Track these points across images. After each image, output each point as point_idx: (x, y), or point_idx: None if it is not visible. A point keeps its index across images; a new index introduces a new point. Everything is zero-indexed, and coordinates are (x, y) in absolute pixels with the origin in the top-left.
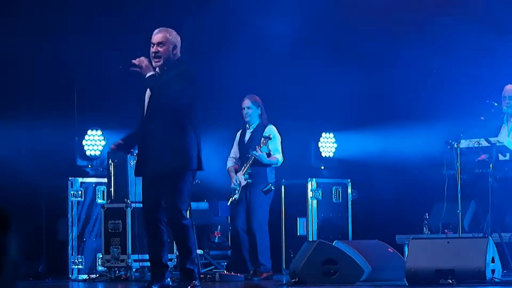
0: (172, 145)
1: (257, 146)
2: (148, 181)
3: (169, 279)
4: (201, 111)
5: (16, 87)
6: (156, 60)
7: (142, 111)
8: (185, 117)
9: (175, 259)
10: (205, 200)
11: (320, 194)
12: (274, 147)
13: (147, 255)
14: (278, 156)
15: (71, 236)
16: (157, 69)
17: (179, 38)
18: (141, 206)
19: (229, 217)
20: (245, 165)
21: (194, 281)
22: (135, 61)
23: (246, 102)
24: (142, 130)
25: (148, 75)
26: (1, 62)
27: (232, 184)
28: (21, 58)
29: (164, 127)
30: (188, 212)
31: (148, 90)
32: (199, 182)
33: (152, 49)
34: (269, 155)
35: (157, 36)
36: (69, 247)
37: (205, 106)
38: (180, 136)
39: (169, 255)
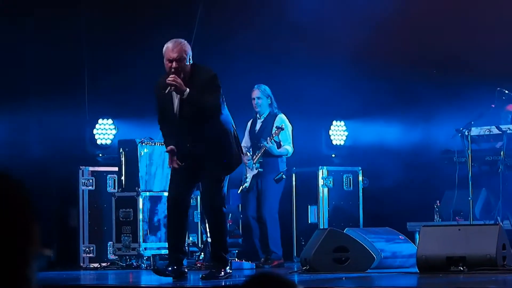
0: (216, 150)
1: (268, 138)
2: (178, 170)
3: (184, 266)
4: None
5: (27, 75)
6: (177, 74)
7: (169, 116)
8: (220, 117)
9: (186, 247)
10: None
11: (331, 182)
12: (284, 137)
13: (158, 243)
14: (288, 147)
15: (82, 224)
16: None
17: (188, 45)
18: (154, 194)
19: (240, 205)
20: (256, 154)
21: (226, 268)
22: (170, 81)
23: (256, 93)
24: (176, 138)
25: (186, 93)
26: (12, 49)
27: (246, 161)
28: (32, 46)
29: (206, 135)
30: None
31: (177, 100)
32: None
33: (171, 65)
34: (279, 145)
35: (173, 53)
36: (80, 235)
37: None
38: (222, 139)
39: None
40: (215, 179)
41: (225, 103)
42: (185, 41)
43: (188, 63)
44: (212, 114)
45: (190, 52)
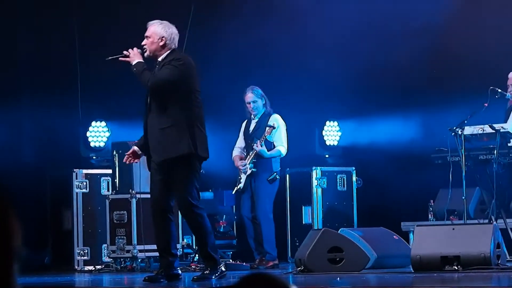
0: (169, 134)
1: (258, 141)
2: (154, 171)
3: (178, 269)
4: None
5: (20, 77)
6: (144, 51)
7: (145, 103)
8: (181, 104)
9: (181, 249)
10: (210, 190)
11: (325, 182)
12: (277, 137)
13: (153, 245)
14: (281, 148)
15: (76, 227)
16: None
17: (171, 29)
18: (148, 196)
19: (234, 206)
20: (250, 154)
21: (219, 268)
22: (126, 52)
23: (250, 96)
24: (145, 123)
25: (134, 62)
26: (5, 51)
27: (241, 167)
28: (25, 47)
29: (160, 117)
30: (198, 199)
31: None
32: (203, 172)
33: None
34: (272, 145)
35: (147, 30)
36: (74, 238)
37: (208, 93)
38: (176, 125)
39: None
40: (176, 178)
41: (190, 98)
42: (165, 24)
43: (159, 45)
44: (153, 86)
45: (166, 35)
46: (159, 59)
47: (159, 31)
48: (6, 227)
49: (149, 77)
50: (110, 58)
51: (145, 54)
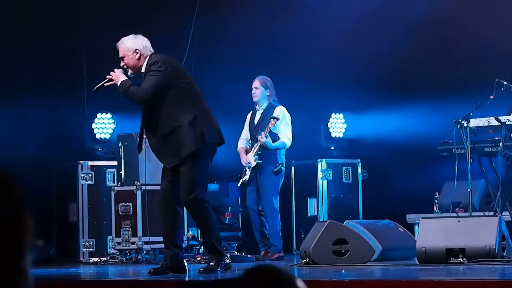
0: (173, 139)
1: (262, 132)
2: (166, 168)
3: (184, 260)
4: (194, 84)
5: (25, 69)
6: (127, 71)
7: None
8: (176, 103)
9: (186, 241)
10: (215, 182)
11: (330, 174)
12: (282, 129)
13: (158, 237)
14: (285, 140)
15: (81, 219)
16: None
17: (140, 39)
18: (153, 188)
19: (239, 198)
20: (255, 146)
21: (224, 260)
22: (108, 77)
23: (255, 83)
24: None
25: (120, 82)
26: (10, 42)
27: (244, 163)
28: (29, 39)
29: (159, 123)
30: (203, 192)
31: None
32: None
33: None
34: (277, 136)
35: (119, 51)
36: (80, 230)
37: (213, 84)
38: (177, 127)
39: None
40: (182, 172)
41: (182, 93)
42: (132, 37)
43: (136, 58)
44: (143, 99)
45: (138, 46)
46: (142, 70)
47: (130, 46)
48: (20, 223)
49: (136, 92)
50: (96, 88)
51: (129, 73)
